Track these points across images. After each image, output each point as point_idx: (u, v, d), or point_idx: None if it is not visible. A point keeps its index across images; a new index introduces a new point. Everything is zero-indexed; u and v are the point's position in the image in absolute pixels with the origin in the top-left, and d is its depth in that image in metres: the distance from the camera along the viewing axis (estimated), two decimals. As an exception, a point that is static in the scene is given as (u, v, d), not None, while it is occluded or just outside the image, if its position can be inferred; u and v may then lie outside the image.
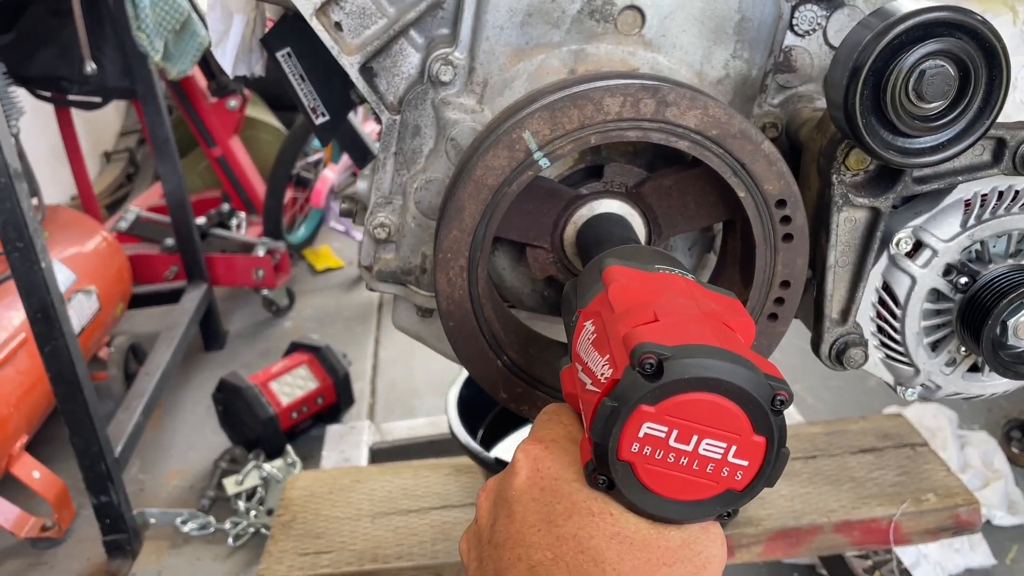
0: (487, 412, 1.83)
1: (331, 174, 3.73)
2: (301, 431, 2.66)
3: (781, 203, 0.74)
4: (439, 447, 2.16)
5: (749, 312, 0.77)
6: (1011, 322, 0.80)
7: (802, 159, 0.86)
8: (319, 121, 1.15)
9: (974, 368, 0.88)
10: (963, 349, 0.87)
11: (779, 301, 0.78)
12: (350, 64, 0.87)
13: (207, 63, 3.31)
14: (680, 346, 0.48)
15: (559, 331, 0.91)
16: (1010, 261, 0.83)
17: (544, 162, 0.71)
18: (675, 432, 0.48)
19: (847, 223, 0.81)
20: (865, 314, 0.86)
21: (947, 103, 0.70)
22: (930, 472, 1.77)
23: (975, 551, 1.97)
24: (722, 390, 0.47)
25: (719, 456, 0.48)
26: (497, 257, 0.88)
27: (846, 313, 0.85)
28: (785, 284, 0.77)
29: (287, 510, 1.83)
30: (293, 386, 2.64)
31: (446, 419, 2.26)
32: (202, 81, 3.37)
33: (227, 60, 1.06)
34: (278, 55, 1.11)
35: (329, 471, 1.94)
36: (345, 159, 3.83)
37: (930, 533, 1.69)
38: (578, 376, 0.57)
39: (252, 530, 2.29)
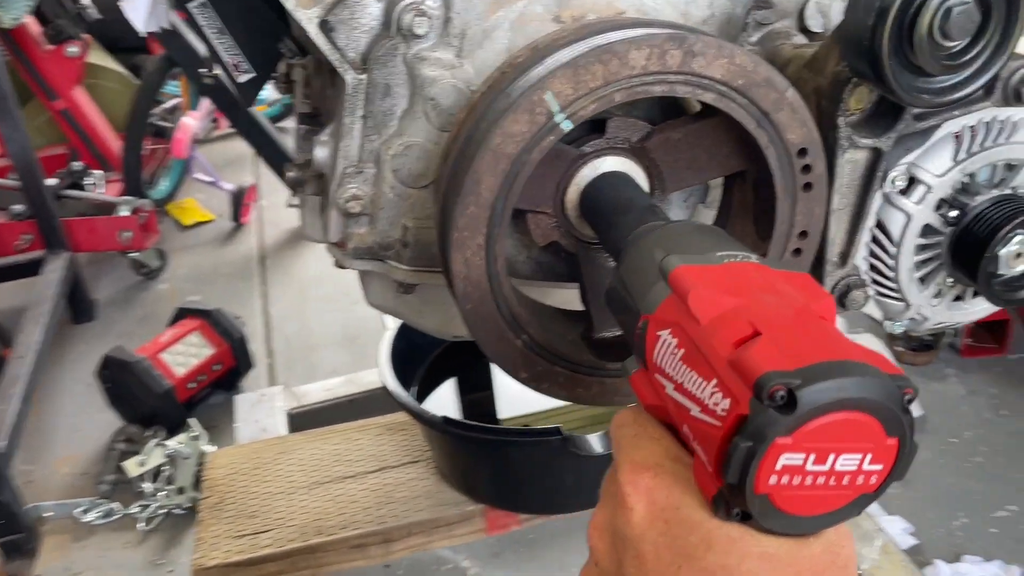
0: (418, 367, 1.77)
1: (192, 121, 3.47)
2: (199, 401, 2.52)
3: (803, 152, 0.71)
4: (360, 406, 2.09)
5: (767, 265, 0.75)
6: (1003, 252, 0.82)
7: (789, 99, 0.83)
8: (242, 79, 1.04)
9: (957, 298, 0.90)
10: (950, 280, 0.88)
11: (797, 252, 0.76)
12: (308, 19, 0.77)
13: (39, 5, 2.97)
14: (805, 368, 0.45)
15: (554, 296, 0.87)
16: (994, 192, 0.84)
17: (566, 125, 0.65)
18: (812, 456, 0.45)
19: (847, 165, 0.80)
20: (858, 254, 0.86)
21: (967, 41, 0.68)
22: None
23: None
24: (857, 406, 0.45)
25: (855, 468, 0.46)
26: (490, 225, 0.81)
27: (845, 256, 0.84)
28: (803, 234, 0.75)
29: (212, 491, 1.73)
30: (187, 355, 2.48)
31: (362, 376, 2.19)
32: (35, 27, 3.03)
33: (139, 16, 0.92)
34: (190, 6, 0.98)
35: (251, 444, 1.84)
36: (205, 104, 3.57)
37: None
38: (669, 394, 0.52)
39: (163, 512, 2.16)
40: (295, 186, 0.96)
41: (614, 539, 0.53)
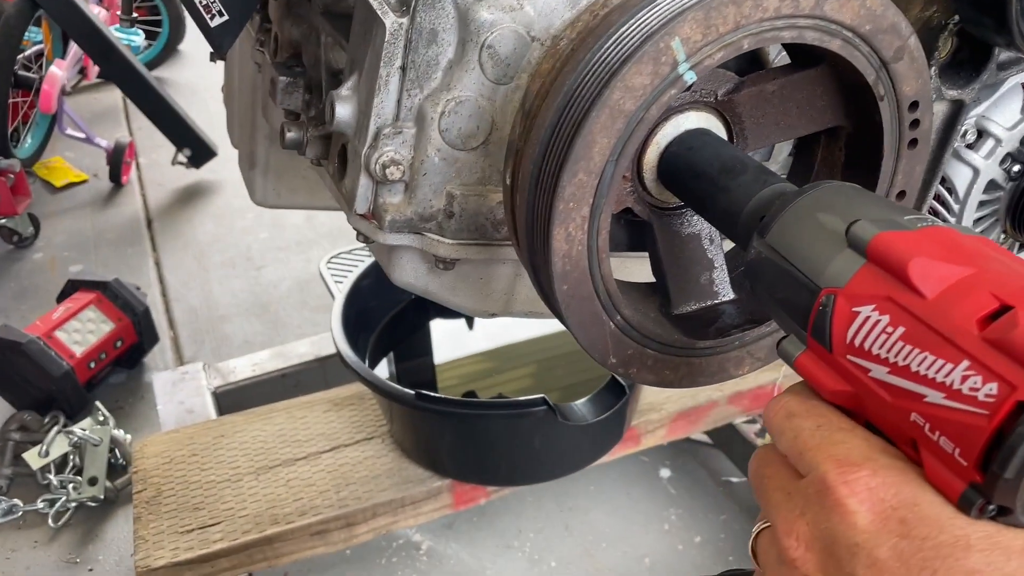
0: (367, 339, 1.66)
1: (59, 71, 3.13)
2: (99, 381, 2.30)
3: (914, 105, 0.65)
4: (294, 380, 1.95)
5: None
6: (1065, 207, 0.80)
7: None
8: (216, 23, 0.89)
9: (1004, 253, 0.88)
10: (1002, 236, 0.86)
11: (892, 214, 0.70)
12: (344, -50, 0.65)
13: None
14: None
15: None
16: (1052, 144, 0.82)
17: (690, 76, 0.57)
18: None
19: (927, 118, 0.75)
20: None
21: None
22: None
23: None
24: None
25: None
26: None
27: (915, 214, 0.80)
28: (901, 195, 0.70)
29: (146, 483, 1.57)
30: (84, 332, 2.25)
31: (292, 348, 2.05)
32: None
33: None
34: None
35: (182, 430, 1.68)
36: (74, 50, 3.23)
37: (805, 389, 1.80)
38: (877, 378, 0.46)
39: (74, 505, 1.97)
40: (294, 147, 0.84)
41: (831, 548, 0.46)
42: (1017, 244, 0.87)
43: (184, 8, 0.88)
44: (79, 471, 2.01)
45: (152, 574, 1.40)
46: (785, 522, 0.49)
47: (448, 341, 1.92)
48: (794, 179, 0.76)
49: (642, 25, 0.56)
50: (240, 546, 1.44)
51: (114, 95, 4.03)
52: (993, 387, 0.41)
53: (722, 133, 0.70)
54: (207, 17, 0.88)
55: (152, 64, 4.09)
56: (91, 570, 1.87)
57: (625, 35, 0.57)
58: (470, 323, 1.90)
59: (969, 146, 0.79)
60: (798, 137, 0.71)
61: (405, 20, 0.68)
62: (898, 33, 0.61)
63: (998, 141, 0.79)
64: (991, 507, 0.42)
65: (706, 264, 0.72)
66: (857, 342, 0.47)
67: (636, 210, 0.71)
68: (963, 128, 0.78)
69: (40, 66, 3.26)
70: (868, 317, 0.47)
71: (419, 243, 0.75)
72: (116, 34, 3.16)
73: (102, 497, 1.97)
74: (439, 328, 1.90)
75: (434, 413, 1.38)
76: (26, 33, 3.10)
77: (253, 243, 3.02)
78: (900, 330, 0.45)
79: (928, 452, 0.44)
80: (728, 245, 0.75)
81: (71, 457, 2.03)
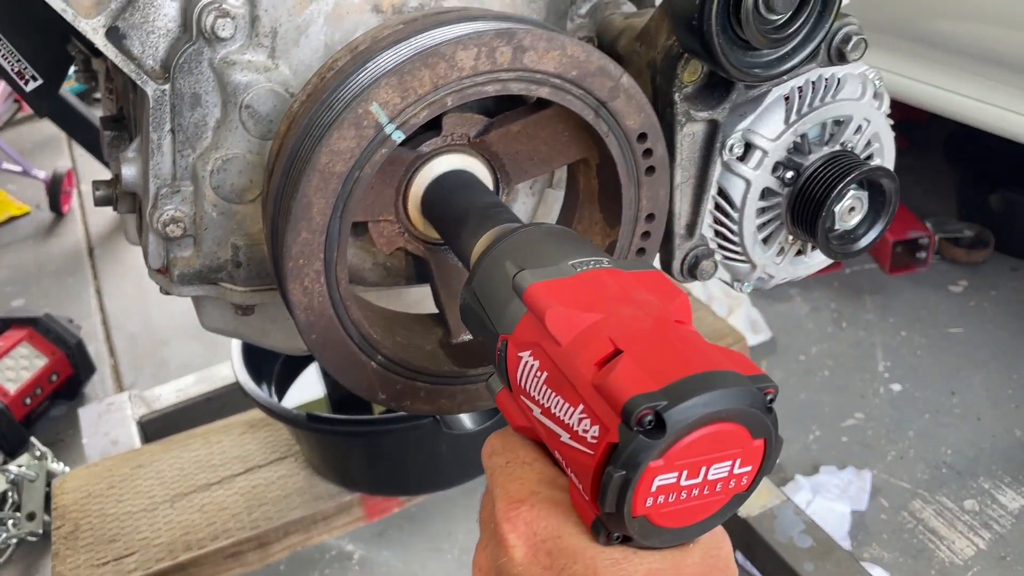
0: (275, 357, 1.69)
1: (-11, 108, 3.15)
2: (39, 416, 2.34)
3: (642, 136, 0.69)
4: (218, 403, 1.98)
5: (619, 252, 0.74)
6: (837, 209, 0.84)
7: (623, 72, 0.81)
8: (31, 87, 0.92)
9: (798, 253, 0.92)
10: (790, 238, 0.90)
11: (646, 235, 0.75)
12: (93, 29, 0.69)
13: None
14: (669, 387, 0.43)
15: (407, 297, 0.83)
16: (825, 149, 0.86)
17: (397, 135, 0.61)
18: (685, 472, 0.45)
19: (687, 139, 0.79)
20: (703, 223, 0.86)
21: (791, 12, 0.68)
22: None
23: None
24: (723, 417, 0.44)
25: (726, 474, 0.46)
26: (329, 236, 0.76)
27: (692, 227, 0.84)
28: (650, 217, 0.74)
29: (64, 519, 1.61)
30: (17, 369, 2.28)
31: (217, 371, 2.09)
32: None
33: None
34: (-47, 11, 0.86)
35: (102, 462, 1.72)
36: (4, 85, 3.24)
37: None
38: (536, 417, 0.50)
39: (15, 541, 2.00)
40: (105, 204, 0.87)
41: None
42: (809, 244, 0.91)
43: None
44: (18, 507, 2.05)
45: (68, 608, 1.44)
46: (477, 553, 0.54)
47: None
48: (568, 203, 0.80)
49: (346, 91, 0.60)
50: (154, 574, 1.48)
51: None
52: (596, 430, 0.45)
53: (485, 171, 0.74)
54: (21, 83, 0.92)
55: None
56: (32, 604, 1.91)
57: (334, 99, 0.60)
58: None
59: (740, 159, 0.83)
60: (555, 169, 0.75)
61: (167, 87, 0.71)
62: (608, 75, 0.65)
63: (765, 152, 0.83)
64: (616, 535, 0.47)
65: (481, 294, 0.76)
66: (523, 384, 0.52)
67: (410, 248, 0.75)
68: (730, 143, 0.82)
69: (-30, 103, 3.27)
70: (527, 362, 0.51)
71: (214, 292, 0.79)
72: (42, 66, 3.18)
73: (40, 532, 2.01)
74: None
75: (328, 433, 1.42)
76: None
77: (193, 264, 3.05)
78: (545, 375, 0.49)
79: (572, 486, 0.49)
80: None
81: (10, 494, 2.07)
